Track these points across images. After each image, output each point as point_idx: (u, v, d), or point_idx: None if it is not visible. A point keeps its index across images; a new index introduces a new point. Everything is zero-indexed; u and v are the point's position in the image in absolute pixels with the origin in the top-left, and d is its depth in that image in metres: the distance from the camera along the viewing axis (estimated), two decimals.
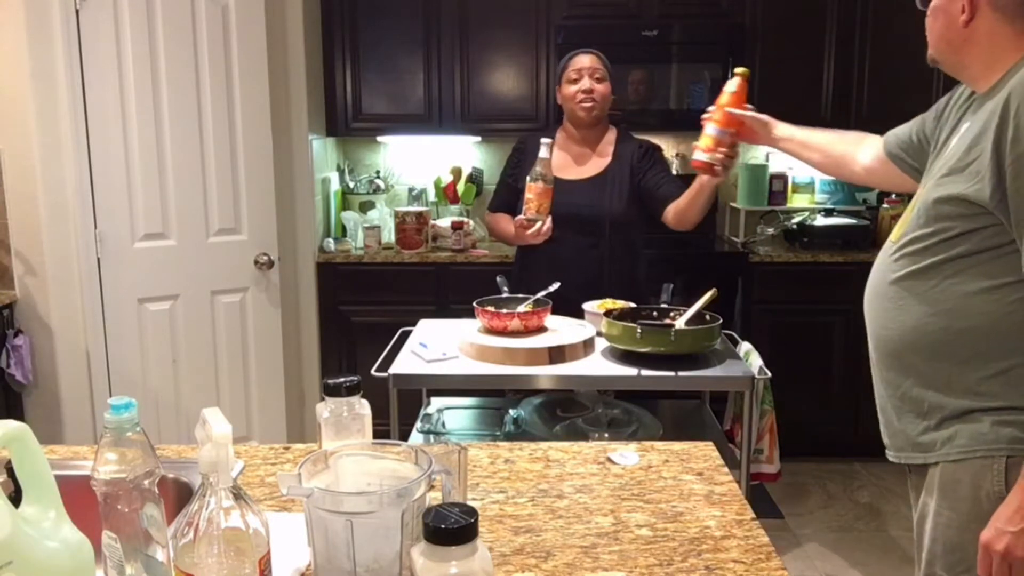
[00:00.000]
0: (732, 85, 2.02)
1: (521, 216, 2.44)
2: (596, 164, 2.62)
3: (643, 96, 3.76)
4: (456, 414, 2.42)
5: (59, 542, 0.87)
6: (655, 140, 4.14)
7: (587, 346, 2.15)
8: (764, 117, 2.03)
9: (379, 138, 4.05)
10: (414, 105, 3.82)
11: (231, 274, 3.20)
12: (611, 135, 2.67)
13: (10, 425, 0.86)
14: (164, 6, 2.91)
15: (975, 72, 1.40)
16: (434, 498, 0.95)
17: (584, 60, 2.57)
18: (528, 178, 2.41)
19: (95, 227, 2.87)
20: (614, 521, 1.16)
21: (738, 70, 2.02)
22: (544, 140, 2.40)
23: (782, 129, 2.00)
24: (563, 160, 2.62)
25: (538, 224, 2.41)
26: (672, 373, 2.02)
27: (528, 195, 2.41)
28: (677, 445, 1.44)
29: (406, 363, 2.07)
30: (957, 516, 1.31)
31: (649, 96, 3.77)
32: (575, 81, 2.55)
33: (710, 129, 2.04)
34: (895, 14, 3.72)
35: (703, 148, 2.06)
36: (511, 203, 2.65)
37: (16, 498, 0.88)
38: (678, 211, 2.49)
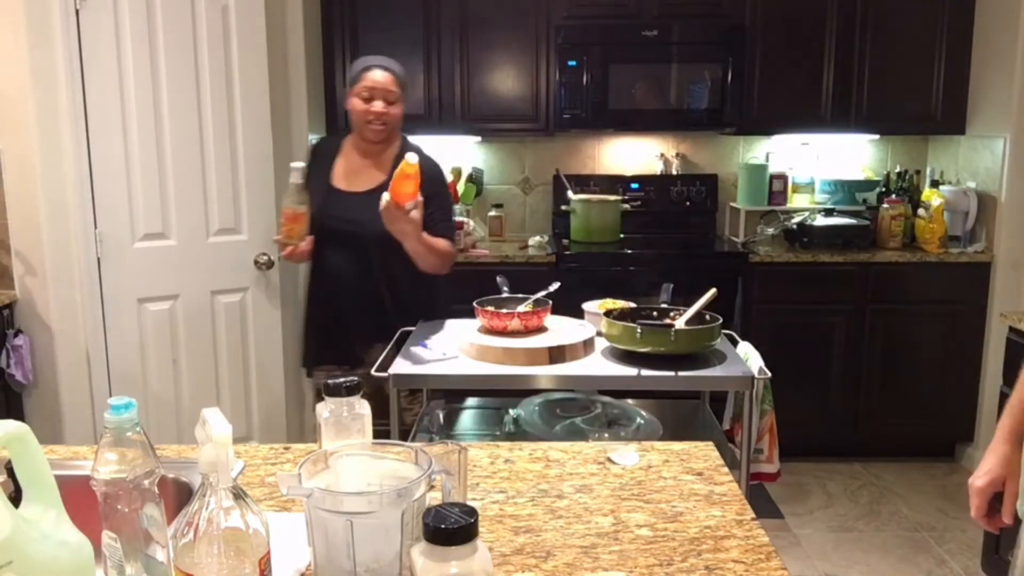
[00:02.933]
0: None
1: (278, 237, 2.39)
2: (373, 178, 2.44)
3: (643, 96, 3.76)
4: (456, 414, 2.42)
5: (59, 542, 0.87)
6: (655, 140, 4.20)
7: (587, 346, 2.14)
8: None
9: None
10: (414, 105, 3.81)
11: (231, 274, 3.20)
12: (393, 150, 2.47)
13: (10, 425, 0.86)
14: (164, 6, 2.91)
15: None
16: (434, 498, 0.95)
17: (379, 78, 2.36)
18: (283, 202, 2.34)
19: (95, 227, 2.87)
20: (614, 521, 1.16)
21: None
22: (295, 165, 2.29)
23: None
24: (344, 168, 2.49)
25: (290, 248, 2.35)
26: (672, 373, 2.01)
27: (282, 219, 2.33)
28: (677, 445, 1.44)
29: (406, 363, 2.07)
30: None
31: (649, 96, 3.77)
32: (367, 100, 2.37)
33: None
34: (895, 14, 3.72)
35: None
36: None
37: (16, 498, 0.88)
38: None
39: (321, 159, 2.51)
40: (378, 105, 2.36)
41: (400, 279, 2.42)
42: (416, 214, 2.17)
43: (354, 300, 2.45)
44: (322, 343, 2.58)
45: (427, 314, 2.47)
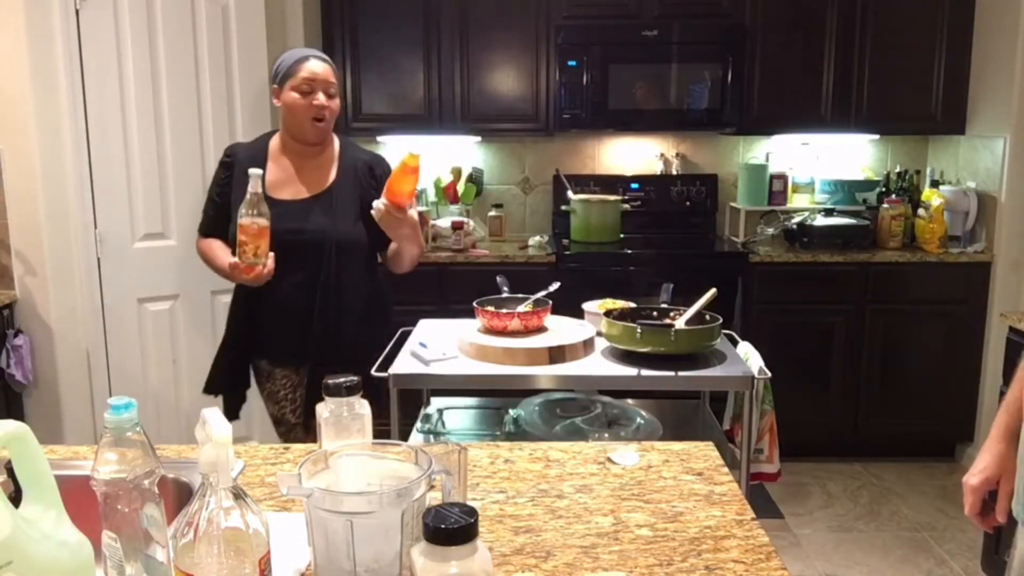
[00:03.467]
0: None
1: (236, 260, 2.02)
2: (317, 181, 2.22)
3: (643, 96, 3.76)
4: (456, 414, 2.42)
5: (59, 542, 0.87)
6: (655, 140, 4.20)
7: (587, 346, 2.14)
8: None
9: (379, 138, 4.05)
10: (414, 105, 3.82)
11: None
12: (334, 148, 2.27)
13: (10, 425, 0.86)
14: (164, 6, 2.91)
15: None
16: (434, 498, 0.95)
17: (318, 69, 2.16)
18: (240, 216, 1.99)
19: (95, 227, 2.87)
20: (614, 521, 1.16)
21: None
22: (254, 172, 1.98)
23: None
24: (278, 176, 2.21)
25: (259, 267, 2.02)
26: (672, 373, 2.02)
27: (242, 236, 1.99)
28: (677, 445, 1.44)
29: (406, 363, 2.07)
30: None
31: (649, 96, 3.76)
32: (306, 94, 2.15)
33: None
34: (895, 14, 3.72)
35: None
36: (222, 224, 2.22)
37: (16, 498, 0.88)
38: (392, 251, 2.25)
39: (242, 168, 2.14)
40: (320, 99, 2.15)
41: (358, 287, 2.24)
42: (414, 213, 2.14)
43: (306, 316, 2.18)
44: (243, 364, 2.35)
45: (383, 322, 2.33)
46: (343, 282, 2.18)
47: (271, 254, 2.04)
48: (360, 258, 2.23)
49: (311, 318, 2.17)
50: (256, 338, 2.28)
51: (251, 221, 1.98)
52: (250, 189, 1.97)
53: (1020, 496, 1.29)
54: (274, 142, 2.26)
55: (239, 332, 2.28)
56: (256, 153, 2.22)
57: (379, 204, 2.03)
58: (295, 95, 2.14)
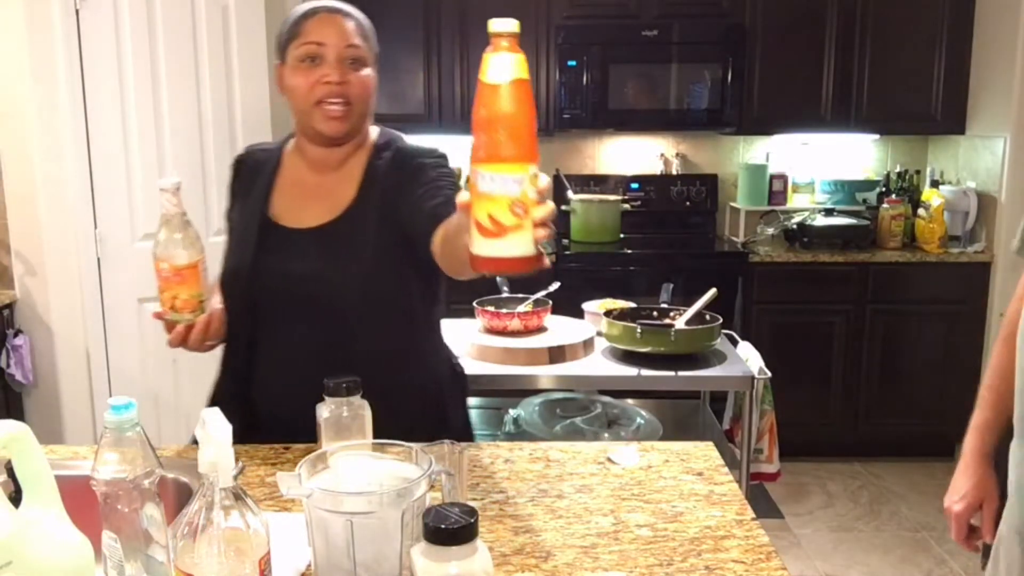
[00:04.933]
0: None
1: (157, 311, 1.37)
2: (333, 200, 1.47)
3: (643, 96, 3.76)
4: None
5: (59, 542, 0.87)
6: (655, 140, 4.20)
7: (587, 346, 2.15)
8: None
9: None
10: (414, 105, 3.82)
11: None
12: (365, 152, 1.52)
13: (10, 425, 0.86)
14: (164, 6, 2.91)
15: None
16: (434, 498, 0.95)
17: (327, 24, 1.42)
18: (156, 253, 1.31)
19: (95, 227, 2.87)
20: (614, 521, 1.16)
21: None
22: (165, 183, 1.28)
23: None
24: (288, 193, 1.51)
25: (181, 327, 1.35)
26: (672, 373, 2.02)
27: (159, 284, 1.33)
28: (677, 445, 1.44)
29: None
30: None
31: (649, 96, 3.76)
32: (311, 63, 1.41)
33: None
34: (895, 14, 3.72)
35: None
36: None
37: (16, 498, 0.88)
38: (447, 237, 1.23)
39: (248, 180, 1.56)
40: (330, 71, 1.40)
41: (393, 357, 1.44)
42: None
43: (313, 399, 1.18)
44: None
45: (447, 401, 1.56)
46: (359, 351, 1.37)
47: (215, 307, 1.40)
48: (390, 315, 1.45)
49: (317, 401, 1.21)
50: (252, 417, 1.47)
51: (164, 255, 1.29)
52: (164, 209, 1.29)
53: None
54: (289, 147, 1.57)
55: (229, 396, 1.49)
56: (269, 157, 1.56)
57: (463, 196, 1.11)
58: (298, 68, 1.43)
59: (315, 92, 1.40)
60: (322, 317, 1.41)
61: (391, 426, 1.09)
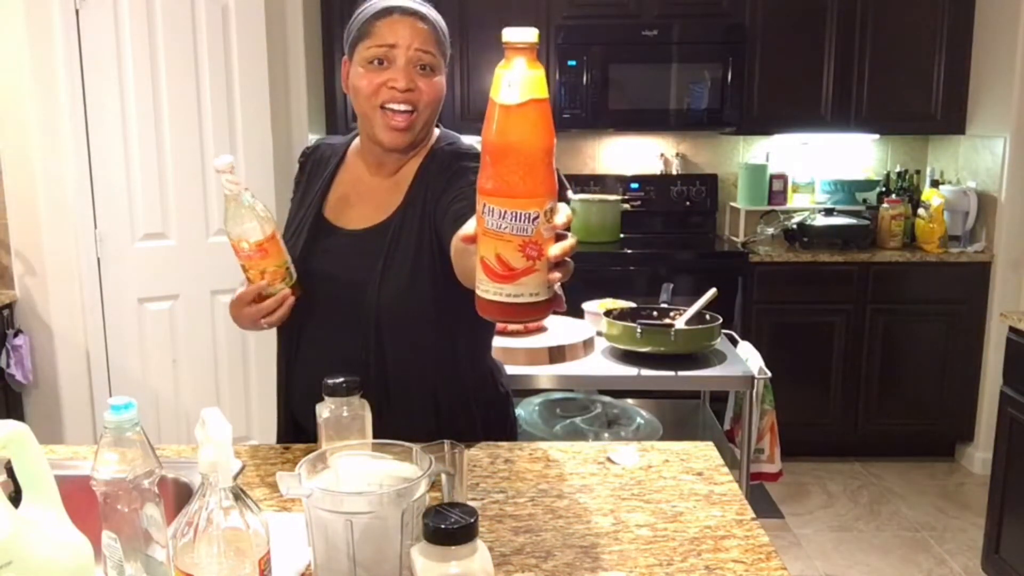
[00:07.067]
0: None
1: (246, 290, 1.39)
2: (383, 204, 1.43)
3: (643, 96, 3.76)
4: None
5: (59, 542, 0.87)
6: (655, 140, 4.20)
7: (587, 346, 2.15)
8: None
9: None
10: None
11: (231, 274, 3.15)
12: (419, 158, 1.43)
13: (10, 425, 0.86)
14: (164, 6, 2.91)
15: None
16: (434, 498, 0.95)
17: (400, 26, 1.33)
18: (229, 233, 1.34)
19: (95, 227, 2.87)
20: (614, 521, 1.16)
21: None
22: (220, 164, 1.30)
23: None
24: (342, 191, 1.48)
25: (275, 295, 1.36)
26: (672, 373, 2.02)
27: (241, 262, 1.37)
28: (677, 445, 1.44)
29: None
30: None
31: (649, 96, 3.76)
32: (378, 65, 1.34)
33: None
34: (895, 14, 3.72)
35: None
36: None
37: (16, 498, 0.88)
38: (456, 250, 1.18)
39: (315, 173, 1.53)
40: (399, 78, 1.32)
41: (426, 375, 1.39)
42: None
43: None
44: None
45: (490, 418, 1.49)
46: (391, 368, 1.36)
47: (285, 286, 1.37)
48: (422, 332, 1.37)
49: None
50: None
51: (240, 234, 1.32)
52: (225, 189, 1.30)
53: None
54: (354, 144, 1.51)
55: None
56: (333, 153, 1.52)
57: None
58: (360, 70, 1.35)
59: (379, 95, 1.34)
60: (351, 321, 1.37)
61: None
